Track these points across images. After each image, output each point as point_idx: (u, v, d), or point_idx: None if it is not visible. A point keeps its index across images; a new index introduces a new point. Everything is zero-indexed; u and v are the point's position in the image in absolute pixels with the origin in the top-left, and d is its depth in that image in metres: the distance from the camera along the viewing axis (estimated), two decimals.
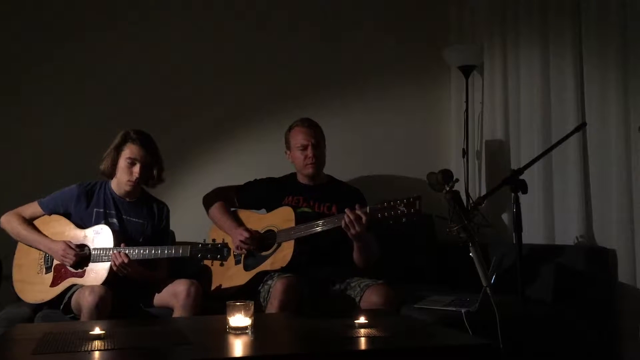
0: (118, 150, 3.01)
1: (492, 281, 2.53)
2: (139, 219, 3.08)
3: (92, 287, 2.75)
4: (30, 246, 3.02)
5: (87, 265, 2.93)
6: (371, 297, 2.83)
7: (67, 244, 2.93)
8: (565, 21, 3.23)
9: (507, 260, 2.72)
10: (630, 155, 2.91)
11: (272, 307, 2.78)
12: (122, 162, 3.00)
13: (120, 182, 3.04)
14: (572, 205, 3.17)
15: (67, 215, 3.04)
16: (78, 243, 2.98)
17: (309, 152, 3.17)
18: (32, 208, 3.06)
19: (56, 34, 3.67)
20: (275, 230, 3.08)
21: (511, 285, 2.55)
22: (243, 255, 3.12)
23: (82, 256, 2.93)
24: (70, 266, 2.93)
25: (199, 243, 2.96)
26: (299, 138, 3.19)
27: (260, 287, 2.98)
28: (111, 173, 3.05)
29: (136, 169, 2.99)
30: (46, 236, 3.00)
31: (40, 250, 3.01)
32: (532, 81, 3.44)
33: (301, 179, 3.27)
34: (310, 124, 3.23)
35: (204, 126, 3.80)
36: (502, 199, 3.54)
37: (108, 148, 3.04)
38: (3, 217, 3.04)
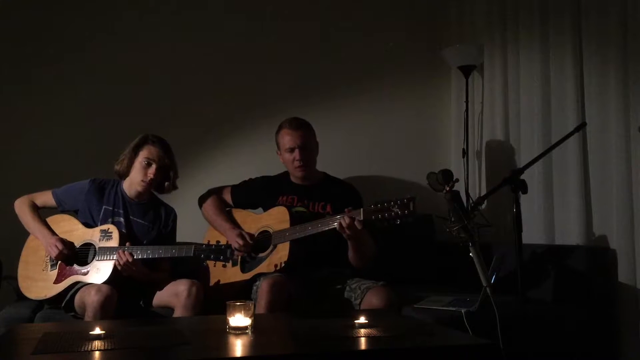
0: (136, 150, 3.04)
1: (492, 281, 2.53)
2: (145, 221, 3.09)
3: (98, 287, 2.76)
4: (32, 233, 3.07)
5: (75, 264, 2.97)
6: (372, 299, 2.82)
7: (61, 241, 2.96)
8: (565, 21, 3.23)
9: (507, 260, 2.71)
10: (630, 155, 2.91)
11: (260, 307, 2.74)
12: (139, 163, 3.02)
13: (133, 182, 3.05)
14: (572, 205, 3.17)
15: (75, 210, 3.08)
16: (85, 241, 3.00)
17: (297, 154, 3.14)
18: (45, 196, 3.11)
19: (56, 34, 3.67)
20: (271, 231, 3.07)
21: (511, 285, 2.55)
22: (240, 257, 3.12)
23: (68, 255, 2.97)
24: (55, 258, 2.97)
25: (203, 244, 2.97)
26: (286, 140, 3.16)
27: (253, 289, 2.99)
28: (126, 173, 3.08)
29: (152, 169, 3.01)
30: (48, 229, 3.03)
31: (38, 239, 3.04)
32: (532, 81, 3.44)
33: (294, 179, 3.26)
34: (298, 124, 3.18)
35: (204, 127, 3.80)
36: (502, 199, 3.54)
37: (125, 149, 3.07)
38: (17, 201, 3.10)
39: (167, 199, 3.26)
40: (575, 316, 2.90)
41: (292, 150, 3.15)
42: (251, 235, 3.09)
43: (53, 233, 3.02)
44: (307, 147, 3.17)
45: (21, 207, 3.08)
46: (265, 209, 3.22)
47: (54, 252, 2.95)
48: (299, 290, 2.91)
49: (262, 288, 2.78)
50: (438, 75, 4.10)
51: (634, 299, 2.89)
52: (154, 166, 3.02)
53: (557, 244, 3.25)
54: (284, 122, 3.22)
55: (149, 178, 3.01)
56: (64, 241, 2.97)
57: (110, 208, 3.06)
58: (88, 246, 3.00)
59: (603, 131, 3.05)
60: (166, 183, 3.09)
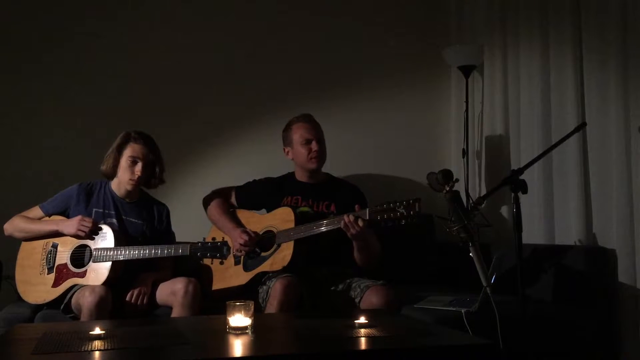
0: (120, 150, 3.02)
1: (492, 281, 2.53)
2: (139, 219, 3.08)
3: (92, 287, 2.76)
4: (41, 237, 3.02)
5: (97, 235, 2.94)
6: (371, 298, 2.82)
7: (82, 217, 2.93)
8: (565, 21, 3.23)
9: (507, 260, 2.71)
10: (630, 155, 2.91)
11: (272, 307, 2.78)
12: (124, 162, 3.00)
13: (122, 181, 3.04)
14: (572, 205, 3.17)
15: (66, 215, 3.04)
16: (79, 243, 2.98)
17: (314, 145, 3.16)
18: (33, 212, 3.07)
19: (55, 34, 3.67)
20: (275, 231, 3.08)
21: (511, 285, 2.55)
22: (242, 256, 3.13)
23: (96, 226, 2.93)
24: (84, 237, 2.92)
25: (199, 242, 2.96)
26: (302, 133, 3.18)
27: (259, 288, 2.99)
28: (112, 173, 3.06)
29: (138, 167, 3.00)
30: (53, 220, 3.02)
31: (50, 233, 2.99)
32: (532, 81, 3.44)
33: (300, 177, 3.27)
34: (312, 119, 3.23)
35: (204, 126, 3.80)
36: (502, 199, 3.54)
37: (109, 149, 3.05)
38: (6, 224, 3.05)
39: (169, 200, 3.26)
40: (575, 316, 2.90)
41: (308, 142, 3.16)
42: (255, 233, 3.10)
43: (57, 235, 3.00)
44: (322, 141, 3.20)
45: (14, 225, 3.02)
46: (269, 210, 3.23)
47: (83, 232, 2.90)
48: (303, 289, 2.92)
49: (275, 288, 2.79)
50: (438, 75, 4.10)
51: (634, 299, 2.89)
52: (140, 164, 3.00)
53: (557, 244, 3.25)
54: (296, 118, 3.25)
55: (136, 176, 3.00)
56: (85, 218, 2.93)
57: (101, 210, 3.04)
58: (83, 248, 2.98)
59: (603, 131, 3.05)
60: (152, 179, 3.07)
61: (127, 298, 2.87)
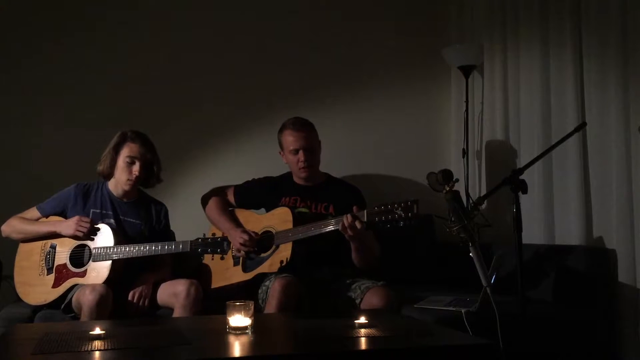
0: (117, 150, 3.01)
1: (492, 281, 2.53)
2: (137, 219, 3.08)
3: (93, 286, 2.76)
4: (39, 238, 3.02)
5: (95, 235, 2.95)
6: (372, 299, 2.82)
7: (80, 217, 2.94)
8: (565, 21, 3.23)
9: (507, 260, 2.72)
10: (630, 155, 2.91)
11: (271, 307, 2.77)
12: (122, 162, 3.00)
13: (119, 181, 3.04)
14: (572, 205, 3.17)
15: (64, 216, 3.04)
16: (78, 243, 2.98)
17: (301, 156, 3.14)
18: (30, 213, 3.07)
19: (55, 33, 3.67)
20: (273, 231, 3.08)
21: (511, 285, 2.55)
22: (242, 257, 3.12)
23: (94, 227, 2.94)
24: (83, 237, 2.93)
25: (199, 238, 2.96)
26: (290, 141, 3.16)
27: (259, 289, 2.98)
28: (109, 174, 3.05)
29: (136, 167, 2.99)
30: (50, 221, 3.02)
31: (48, 234, 2.99)
32: (532, 81, 3.44)
33: (297, 179, 3.27)
34: (302, 126, 3.17)
35: (204, 126, 3.80)
36: (502, 199, 3.54)
37: (105, 149, 3.05)
38: (3, 226, 3.05)
39: (168, 199, 3.26)
40: (575, 316, 2.90)
41: (296, 151, 3.15)
42: (255, 233, 3.09)
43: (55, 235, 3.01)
44: (311, 148, 3.17)
45: (11, 226, 3.03)
46: (268, 210, 3.22)
47: (82, 232, 2.91)
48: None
49: (274, 288, 2.79)
50: (438, 75, 4.10)
51: (634, 299, 2.89)
52: (137, 163, 2.99)
53: (557, 244, 3.25)
54: (287, 122, 3.22)
55: (134, 176, 2.99)
56: (83, 218, 2.94)
57: (99, 210, 3.04)
58: (82, 248, 2.98)
59: (603, 131, 3.05)
60: (150, 179, 3.07)
61: (129, 298, 2.87)
